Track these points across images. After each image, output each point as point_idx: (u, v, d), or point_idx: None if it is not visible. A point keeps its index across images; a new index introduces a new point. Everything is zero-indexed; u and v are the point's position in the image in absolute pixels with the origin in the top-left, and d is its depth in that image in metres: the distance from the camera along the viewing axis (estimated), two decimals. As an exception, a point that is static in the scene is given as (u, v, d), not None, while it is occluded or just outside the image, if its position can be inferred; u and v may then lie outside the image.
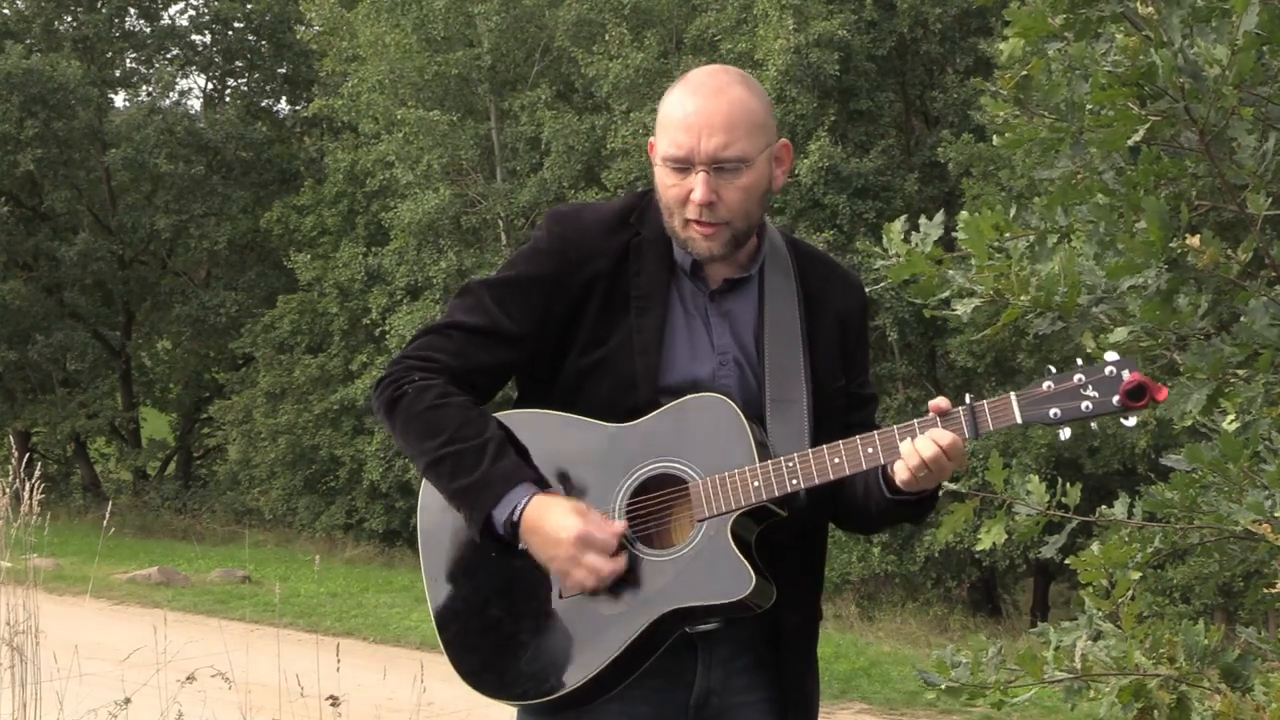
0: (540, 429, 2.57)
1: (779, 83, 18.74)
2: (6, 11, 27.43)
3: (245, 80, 30.08)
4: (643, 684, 2.51)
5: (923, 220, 3.39)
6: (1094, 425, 2.42)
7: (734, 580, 2.44)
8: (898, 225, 3.43)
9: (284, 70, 29.23)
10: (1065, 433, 2.41)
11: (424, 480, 2.63)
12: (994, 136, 3.49)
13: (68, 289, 27.22)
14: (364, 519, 23.27)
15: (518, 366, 2.64)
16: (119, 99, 29.16)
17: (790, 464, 2.45)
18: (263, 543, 21.66)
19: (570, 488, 2.52)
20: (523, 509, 2.45)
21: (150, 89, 28.65)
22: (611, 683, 2.49)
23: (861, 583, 19.15)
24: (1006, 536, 3.54)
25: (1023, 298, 3.23)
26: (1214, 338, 3.27)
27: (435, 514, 2.63)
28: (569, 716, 2.53)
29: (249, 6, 28.39)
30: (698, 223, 2.51)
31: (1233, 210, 3.25)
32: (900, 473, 2.43)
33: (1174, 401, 3.26)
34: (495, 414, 2.60)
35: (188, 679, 4.97)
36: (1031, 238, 3.42)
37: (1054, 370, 2.43)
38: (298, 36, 26.14)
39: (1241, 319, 3.19)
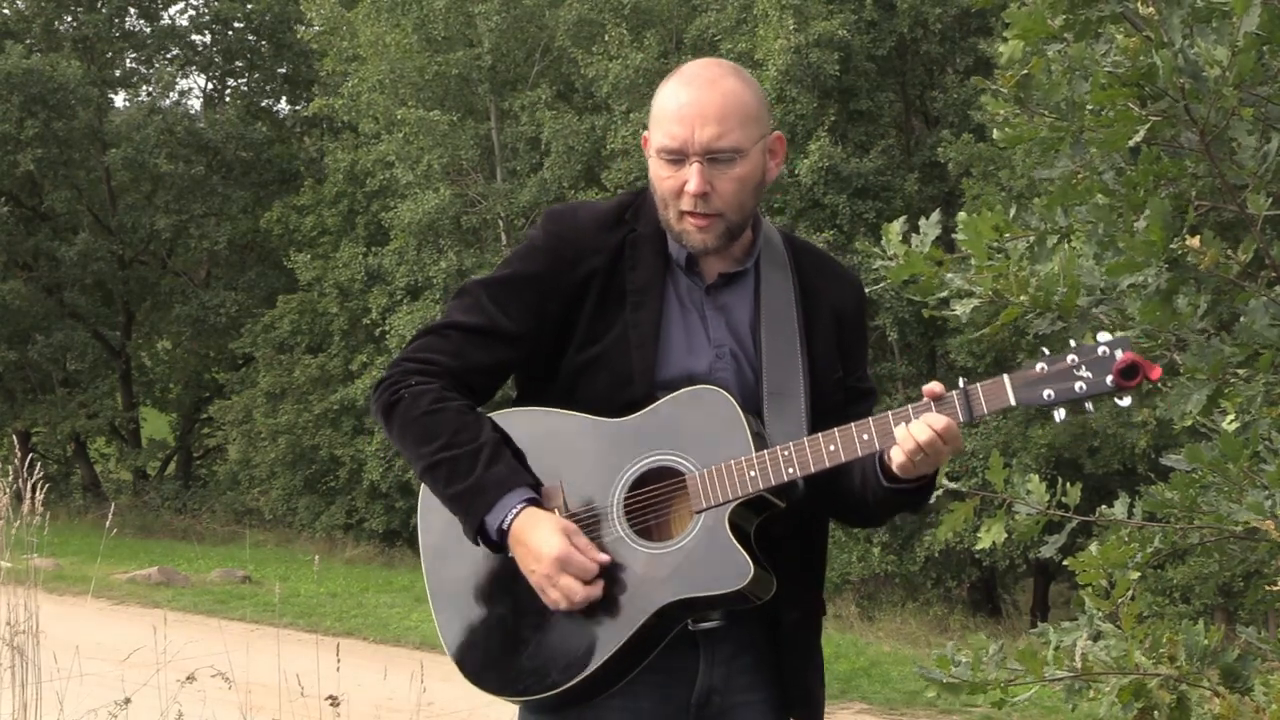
0: (537, 426, 2.58)
1: (779, 83, 18.74)
2: (6, 11, 27.44)
3: (245, 80, 30.09)
4: (645, 681, 2.51)
5: (922, 220, 3.39)
6: (1089, 406, 2.40)
7: (733, 570, 2.44)
8: (896, 226, 3.44)
9: (284, 70, 29.24)
10: (1060, 414, 2.41)
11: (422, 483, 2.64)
12: (994, 132, 3.49)
13: (68, 289, 27.23)
14: (364, 519, 23.28)
15: (516, 365, 2.65)
16: (119, 99, 29.24)
17: (786, 453, 2.45)
18: (263, 543, 21.67)
19: (568, 484, 2.53)
20: (512, 519, 2.46)
21: (150, 89, 28.68)
22: (613, 678, 2.49)
23: (861, 583, 19.16)
24: (1006, 536, 3.54)
25: (1022, 298, 3.23)
26: (1214, 338, 3.27)
27: (435, 513, 2.64)
28: (571, 713, 2.53)
29: (249, 6, 28.39)
30: (692, 214, 2.52)
31: (1233, 210, 3.25)
32: (896, 457, 2.42)
33: (1174, 401, 3.26)
34: (493, 413, 2.61)
35: (188, 679, 4.97)
36: (1031, 238, 3.42)
37: (1047, 352, 2.43)
38: (298, 36, 26.15)
39: (1241, 319, 3.19)
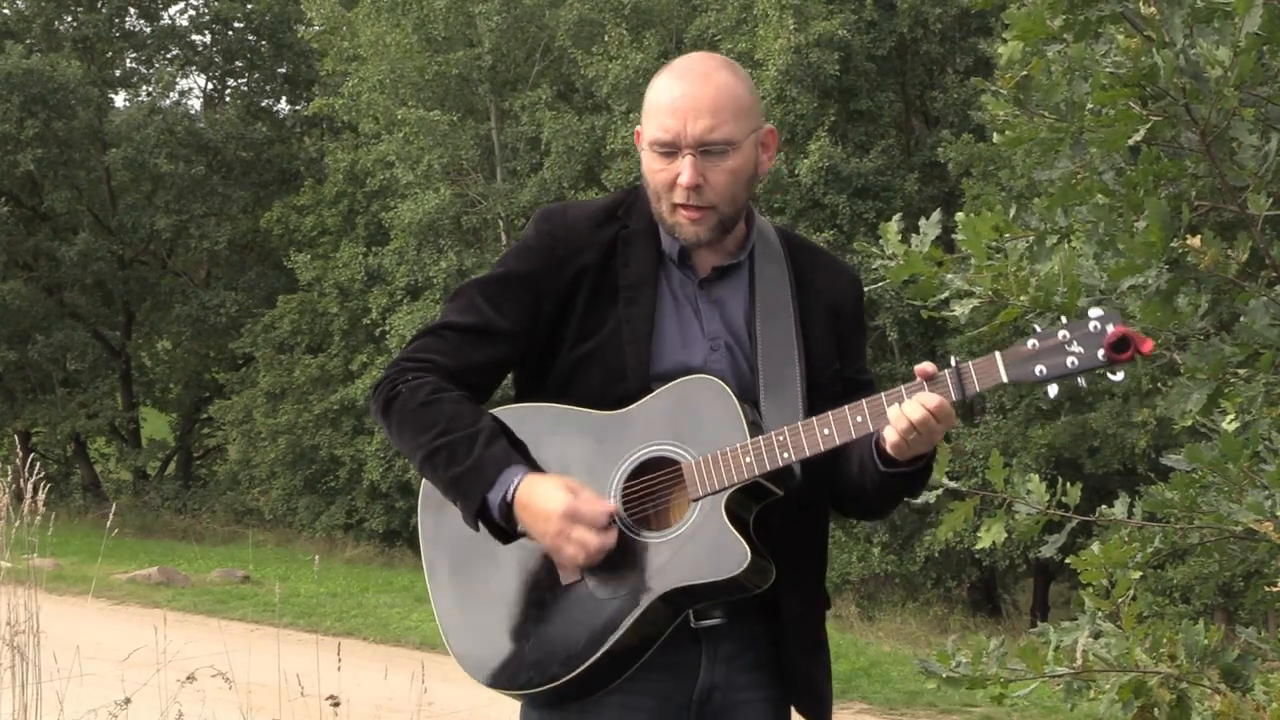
0: (534, 421, 2.59)
1: (779, 83, 18.75)
2: (6, 11, 27.44)
3: (245, 80, 30.09)
4: (646, 677, 2.51)
5: (921, 220, 3.40)
6: (1082, 381, 2.39)
7: (729, 556, 2.44)
8: (894, 225, 3.44)
9: (284, 70, 29.23)
10: (1052, 390, 2.39)
11: (423, 477, 2.65)
12: (994, 134, 3.49)
13: (68, 289, 27.24)
14: (364, 519, 23.28)
15: (512, 363, 2.66)
16: (119, 99, 29.24)
17: (781, 438, 2.45)
18: (263, 543, 21.67)
19: (566, 476, 2.53)
20: (515, 489, 2.46)
21: (150, 89, 28.69)
22: (614, 671, 2.49)
23: (861, 583, 19.16)
24: (1006, 536, 3.55)
25: (1022, 298, 3.24)
26: (1214, 338, 3.28)
27: (436, 509, 2.65)
28: (572, 709, 2.53)
29: (249, 6, 28.39)
30: (685, 207, 2.53)
31: (1233, 211, 3.26)
32: (890, 437, 2.42)
33: (1174, 401, 3.26)
34: (490, 410, 2.62)
35: (188, 679, 4.97)
36: (1031, 238, 3.42)
37: (1039, 329, 2.43)
38: (299, 35, 26.15)
39: (1241, 319, 3.19)
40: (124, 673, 5.17)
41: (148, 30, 28.75)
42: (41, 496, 5.19)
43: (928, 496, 3.60)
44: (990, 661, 3.34)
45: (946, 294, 3.38)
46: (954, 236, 3.40)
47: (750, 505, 2.51)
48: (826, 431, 2.44)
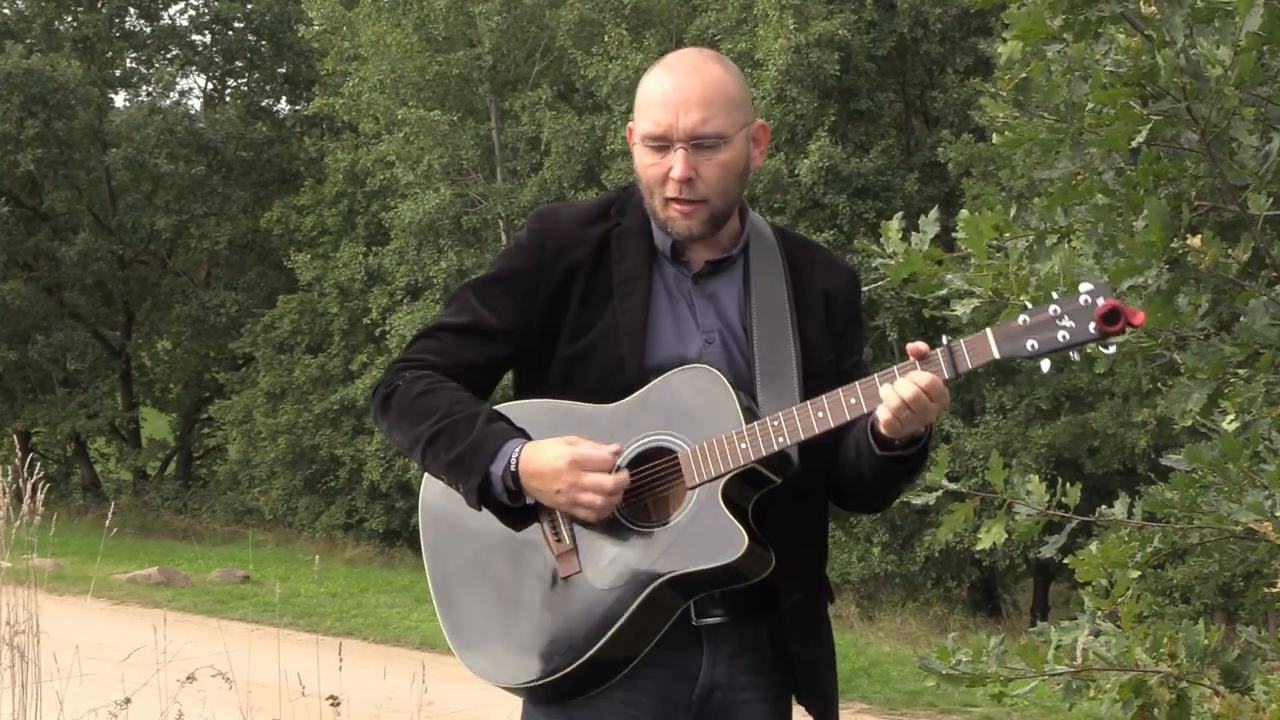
0: (531, 416, 2.60)
1: (779, 83, 18.74)
2: (6, 11, 27.43)
3: (245, 80, 30.07)
4: (647, 675, 2.52)
5: (921, 219, 3.40)
6: (1074, 356, 2.40)
7: (726, 542, 2.44)
8: (895, 223, 3.44)
9: (284, 70, 29.21)
10: (1045, 365, 2.39)
11: (425, 473, 2.66)
12: (994, 136, 3.49)
13: (68, 289, 27.22)
14: (364, 519, 23.28)
15: (509, 362, 2.68)
16: (119, 99, 29.21)
17: (775, 423, 2.46)
18: (263, 543, 21.66)
19: None
20: (517, 456, 2.48)
21: (150, 89, 28.67)
22: (615, 664, 2.50)
23: (861, 583, 19.15)
24: (1006, 536, 3.54)
25: (1022, 297, 3.23)
26: (1214, 338, 3.28)
27: (437, 508, 2.66)
28: (573, 706, 2.53)
29: (249, 6, 28.37)
30: (677, 200, 2.54)
31: (1233, 211, 3.26)
32: (882, 415, 2.41)
33: (1174, 401, 3.26)
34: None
35: (188, 679, 4.97)
36: (1031, 238, 3.43)
37: (1029, 305, 2.43)
38: (298, 35, 26.14)
39: (1241, 319, 3.19)
40: (124, 673, 5.17)
41: (148, 30, 28.74)
42: (41, 496, 5.19)
43: (928, 498, 3.60)
44: (990, 660, 3.34)
45: (946, 293, 3.38)
46: (954, 236, 3.40)
47: (749, 493, 2.51)
48: (820, 414, 2.44)
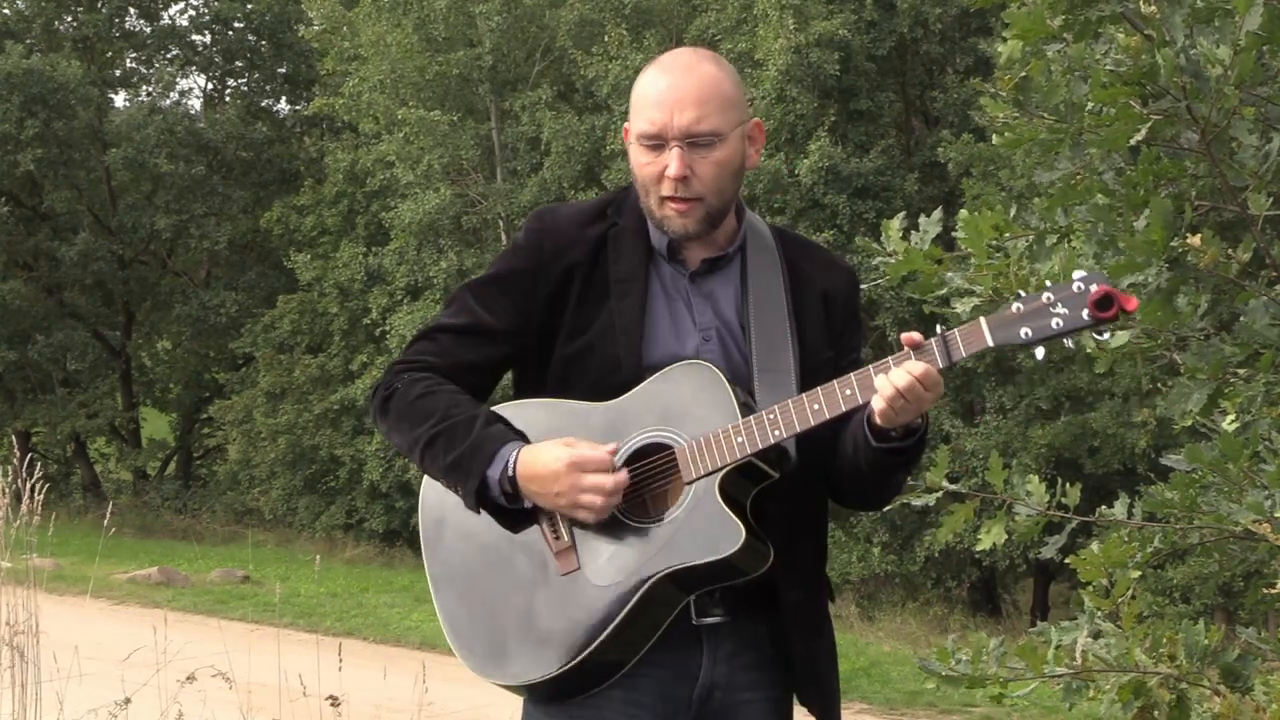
0: (528, 415, 2.61)
1: (779, 83, 18.74)
2: (6, 11, 27.42)
3: (245, 80, 30.06)
4: (646, 674, 2.52)
5: (922, 218, 3.40)
6: (1069, 343, 2.40)
7: (724, 536, 2.44)
8: (896, 222, 3.44)
9: (284, 70, 29.20)
10: (1039, 353, 2.39)
11: (424, 474, 2.66)
12: (994, 136, 3.49)
13: (68, 289, 27.22)
14: (364, 519, 23.28)
15: (508, 362, 2.69)
16: (119, 99, 29.20)
17: (771, 415, 2.46)
18: (263, 543, 21.66)
19: None
20: (515, 460, 2.49)
21: (150, 89, 28.66)
22: (614, 663, 2.50)
23: (861, 583, 19.15)
24: (1006, 537, 3.54)
25: (1022, 297, 3.23)
26: (1214, 338, 3.27)
27: (437, 507, 2.67)
28: (574, 705, 2.54)
29: (249, 6, 28.37)
30: (672, 199, 2.55)
31: (1233, 210, 3.26)
32: (877, 404, 2.41)
33: (1174, 401, 3.26)
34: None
35: (188, 679, 4.97)
36: (1031, 237, 3.43)
37: (1023, 294, 2.43)
38: (298, 35, 26.15)
39: (1241, 319, 3.19)
40: (124, 673, 5.17)
41: (148, 30, 28.73)
42: (41, 496, 5.19)
43: (928, 499, 3.60)
44: (990, 660, 3.34)
45: (946, 292, 3.38)
46: (954, 235, 3.40)
47: (747, 488, 2.51)
48: (816, 406, 2.45)
